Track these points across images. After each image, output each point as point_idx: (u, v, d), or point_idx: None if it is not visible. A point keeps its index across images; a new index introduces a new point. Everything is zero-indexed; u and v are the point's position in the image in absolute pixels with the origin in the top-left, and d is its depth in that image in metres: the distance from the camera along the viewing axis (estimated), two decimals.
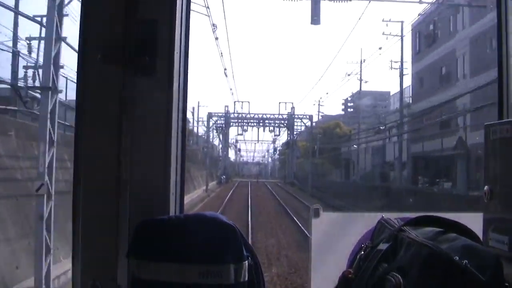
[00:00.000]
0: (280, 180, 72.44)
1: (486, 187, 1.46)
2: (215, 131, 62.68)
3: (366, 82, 70.91)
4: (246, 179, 70.03)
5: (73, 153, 1.76)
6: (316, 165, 52.79)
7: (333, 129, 56.17)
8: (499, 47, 2.10)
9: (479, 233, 1.40)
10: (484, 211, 1.49)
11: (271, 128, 63.23)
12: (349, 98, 74.36)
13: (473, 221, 1.48)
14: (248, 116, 61.22)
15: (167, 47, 1.72)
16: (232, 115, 60.32)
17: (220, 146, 67.43)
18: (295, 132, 63.12)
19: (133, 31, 1.68)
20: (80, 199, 1.72)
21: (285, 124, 62.53)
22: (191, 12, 1.87)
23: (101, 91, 1.72)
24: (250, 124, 63.06)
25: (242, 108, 60.19)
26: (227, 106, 61.27)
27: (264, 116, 60.78)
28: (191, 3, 1.86)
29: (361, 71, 44.90)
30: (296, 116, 60.47)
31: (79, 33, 1.74)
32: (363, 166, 42.57)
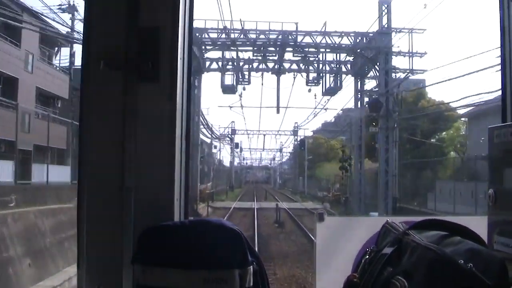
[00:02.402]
0: (324, 205, 30.72)
1: (490, 190, 1.45)
2: None
3: None
4: (248, 202, 39.33)
5: (78, 160, 1.77)
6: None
7: (414, 102, 30.42)
8: (502, 50, 2.10)
9: (484, 237, 1.39)
10: (489, 214, 1.48)
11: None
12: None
13: (478, 224, 1.48)
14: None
15: (169, 53, 1.72)
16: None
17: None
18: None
19: (135, 38, 1.69)
20: (85, 206, 1.72)
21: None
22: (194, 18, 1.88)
23: (104, 98, 1.73)
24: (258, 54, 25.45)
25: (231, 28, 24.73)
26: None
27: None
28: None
29: None
30: None
31: (82, 41, 1.76)
32: None
